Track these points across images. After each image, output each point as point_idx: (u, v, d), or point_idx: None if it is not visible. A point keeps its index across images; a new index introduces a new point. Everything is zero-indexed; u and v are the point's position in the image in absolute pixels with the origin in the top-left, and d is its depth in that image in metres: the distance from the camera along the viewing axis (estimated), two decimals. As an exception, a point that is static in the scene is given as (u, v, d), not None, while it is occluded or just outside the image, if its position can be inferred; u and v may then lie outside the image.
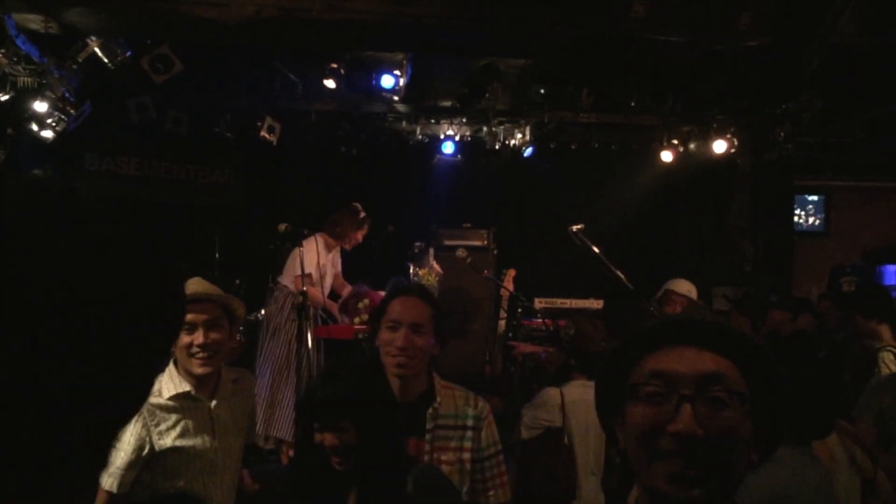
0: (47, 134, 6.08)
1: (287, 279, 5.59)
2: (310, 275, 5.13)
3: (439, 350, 2.44)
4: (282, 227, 4.99)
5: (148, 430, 2.40)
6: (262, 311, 5.86)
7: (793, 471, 1.90)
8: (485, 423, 2.42)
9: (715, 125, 7.45)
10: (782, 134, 7.04)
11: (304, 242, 4.98)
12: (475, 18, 5.24)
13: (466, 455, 2.38)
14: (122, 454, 2.35)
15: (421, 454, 2.32)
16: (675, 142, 7.75)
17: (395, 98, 6.99)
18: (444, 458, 2.34)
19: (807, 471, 1.96)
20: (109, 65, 5.86)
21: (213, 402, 2.53)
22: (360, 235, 5.91)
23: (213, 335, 2.44)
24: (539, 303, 6.89)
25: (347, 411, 1.96)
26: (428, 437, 2.35)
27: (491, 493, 2.42)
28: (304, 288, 4.62)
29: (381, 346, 2.39)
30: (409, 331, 2.34)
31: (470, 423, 2.40)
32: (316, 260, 5.42)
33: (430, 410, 2.37)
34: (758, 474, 1.33)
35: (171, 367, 2.49)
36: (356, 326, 5.45)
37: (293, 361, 5.09)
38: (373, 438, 1.95)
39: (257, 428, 5.30)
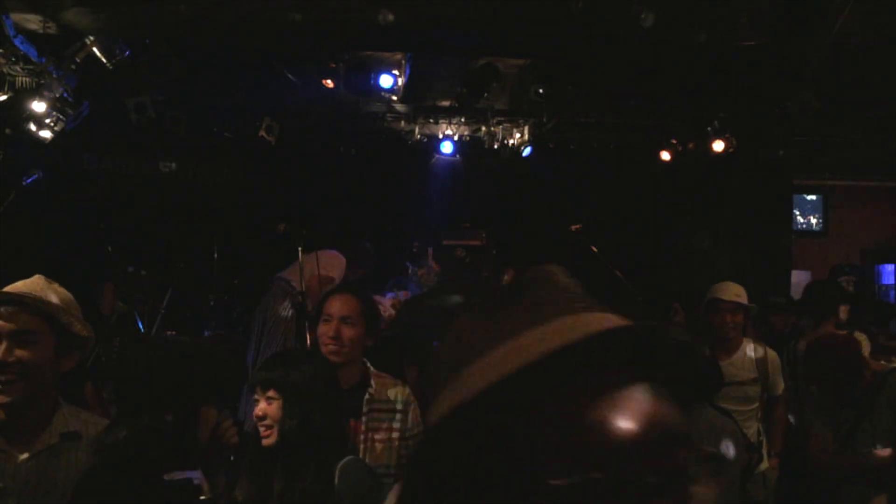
0: (45, 134, 6.06)
1: (291, 275, 5.54)
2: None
3: (372, 341, 2.78)
4: (280, 227, 4.96)
5: None
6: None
7: None
8: (411, 407, 2.73)
9: (713, 125, 7.44)
10: (781, 134, 7.03)
11: (320, 254, 4.95)
12: (475, 18, 5.24)
13: (395, 434, 2.71)
14: None
15: (357, 433, 2.63)
16: (674, 141, 7.74)
17: (394, 98, 6.97)
18: (377, 437, 2.68)
19: None
20: (108, 64, 5.84)
21: (25, 455, 1.81)
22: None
23: (21, 352, 1.80)
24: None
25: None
26: (364, 419, 2.66)
27: None
28: (303, 287, 4.60)
29: (318, 337, 2.70)
30: (339, 322, 2.66)
31: (399, 406, 2.72)
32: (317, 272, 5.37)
33: (367, 396, 2.68)
34: None
35: None
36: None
37: None
38: (327, 418, 2.09)
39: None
